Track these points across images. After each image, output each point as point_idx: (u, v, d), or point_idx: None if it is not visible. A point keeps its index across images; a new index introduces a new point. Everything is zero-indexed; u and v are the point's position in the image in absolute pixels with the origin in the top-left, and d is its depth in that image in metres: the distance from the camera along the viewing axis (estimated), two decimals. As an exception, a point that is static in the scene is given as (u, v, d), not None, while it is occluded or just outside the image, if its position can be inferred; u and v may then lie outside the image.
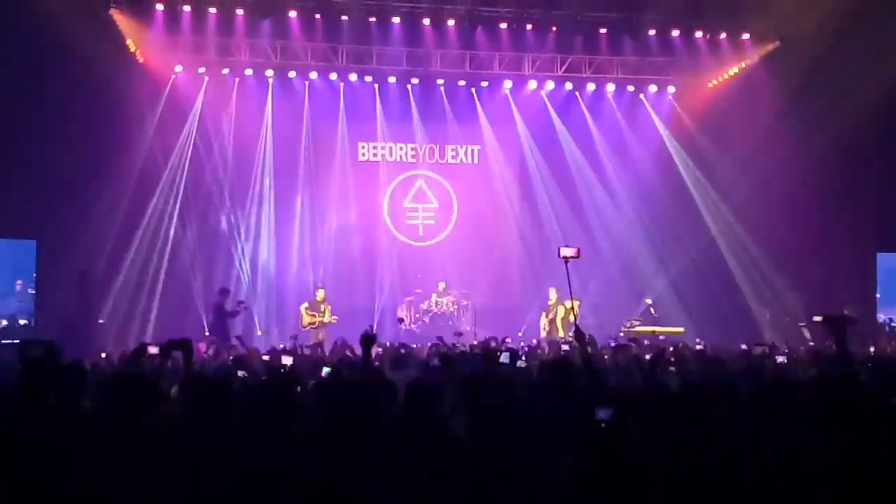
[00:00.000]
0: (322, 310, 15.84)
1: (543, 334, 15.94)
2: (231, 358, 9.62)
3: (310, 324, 15.72)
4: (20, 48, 13.66)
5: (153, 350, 6.12)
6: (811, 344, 12.77)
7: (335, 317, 15.65)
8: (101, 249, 15.41)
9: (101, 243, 15.40)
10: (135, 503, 5.12)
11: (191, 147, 16.94)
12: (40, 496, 4.61)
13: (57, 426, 5.21)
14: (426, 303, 17.49)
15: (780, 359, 7.87)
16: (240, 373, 9.10)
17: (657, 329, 15.85)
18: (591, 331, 16.26)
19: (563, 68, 17.75)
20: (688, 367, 8.09)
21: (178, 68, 16.78)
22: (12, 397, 5.36)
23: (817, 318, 6.97)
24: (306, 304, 15.95)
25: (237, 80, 17.31)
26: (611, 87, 18.30)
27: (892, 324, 16.99)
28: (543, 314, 16.48)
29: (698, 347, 12.15)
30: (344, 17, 16.35)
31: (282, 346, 12.50)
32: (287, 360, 6.48)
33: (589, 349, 5.97)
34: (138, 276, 15.89)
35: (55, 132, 14.49)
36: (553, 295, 16.33)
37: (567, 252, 6.99)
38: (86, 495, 5.19)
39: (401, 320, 15.72)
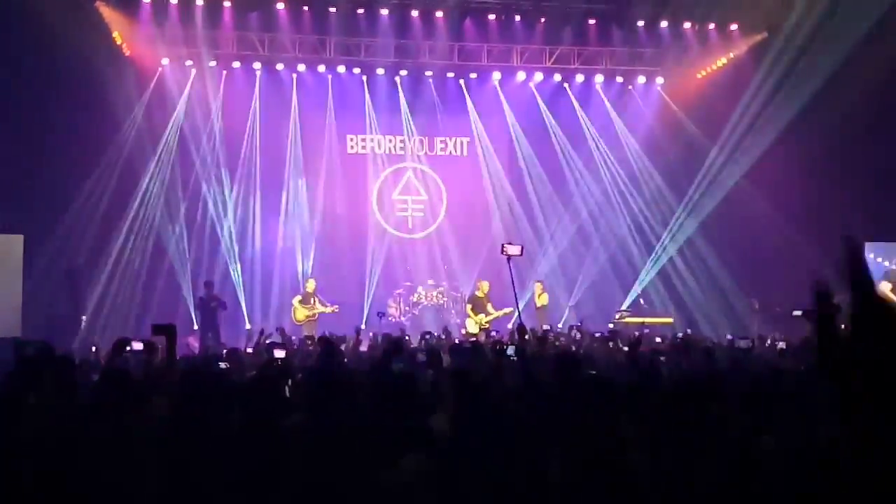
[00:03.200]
0: (313, 302, 15.81)
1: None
2: (224, 352, 9.61)
3: (306, 317, 15.65)
4: (5, 41, 13.53)
5: (137, 345, 6.10)
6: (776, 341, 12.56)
7: (336, 306, 15.49)
8: (89, 243, 15.33)
9: (89, 236, 15.31)
10: (128, 497, 5.14)
11: (178, 140, 16.85)
12: (35, 492, 4.61)
13: (52, 422, 5.21)
14: (415, 295, 17.48)
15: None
16: (222, 364, 9.07)
17: (646, 320, 15.91)
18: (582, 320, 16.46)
19: (552, 59, 17.74)
20: (678, 359, 8.10)
21: (165, 61, 16.70)
22: (7, 395, 5.35)
23: (797, 313, 6.96)
24: (299, 297, 15.90)
25: (224, 72, 17.24)
26: (599, 79, 18.34)
27: None
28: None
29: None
30: (332, 9, 16.27)
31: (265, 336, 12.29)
32: (279, 354, 6.45)
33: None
34: (126, 269, 15.81)
35: (41, 125, 14.38)
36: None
37: (512, 250, 6.95)
38: (79, 491, 5.20)
39: (381, 314, 15.43)
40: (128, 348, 6.07)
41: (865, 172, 15.70)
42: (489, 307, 14.71)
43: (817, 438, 4.11)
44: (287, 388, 6.07)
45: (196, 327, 14.81)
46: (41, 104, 14.23)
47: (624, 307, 17.13)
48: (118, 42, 15.75)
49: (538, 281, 15.97)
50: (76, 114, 14.63)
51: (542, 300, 15.65)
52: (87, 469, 5.34)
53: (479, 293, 15.00)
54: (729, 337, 11.30)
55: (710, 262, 17.33)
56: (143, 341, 6.03)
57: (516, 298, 7.29)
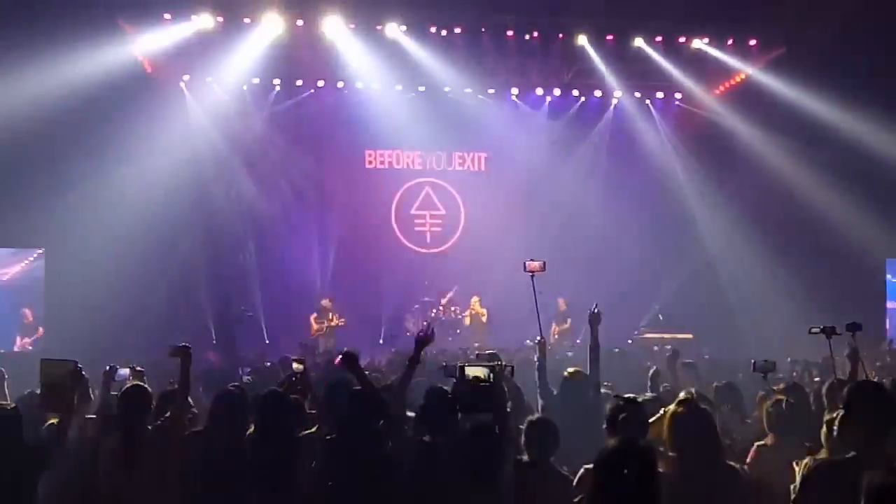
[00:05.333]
0: (329, 316, 15.88)
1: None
2: (248, 370, 9.70)
3: (317, 331, 15.71)
4: (28, 59, 13.69)
5: (123, 372, 6.20)
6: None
7: (342, 319, 15.72)
8: (109, 258, 15.39)
9: (108, 252, 15.38)
10: None
11: (198, 155, 16.92)
12: None
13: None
14: (433, 310, 17.43)
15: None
16: (245, 378, 9.14)
17: (665, 335, 15.81)
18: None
19: (570, 75, 17.71)
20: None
21: (186, 77, 16.82)
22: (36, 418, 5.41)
23: (815, 330, 6.85)
24: (315, 314, 16.00)
25: (245, 88, 17.34)
26: (617, 94, 18.30)
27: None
28: (554, 324, 16.53)
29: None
30: (351, 25, 16.33)
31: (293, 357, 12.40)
32: (298, 367, 6.45)
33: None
34: (146, 285, 15.80)
35: (62, 141, 14.51)
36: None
37: (533, 266, 6.96)
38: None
39: (393, 336, 15.90)
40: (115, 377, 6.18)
41: (885, 188, 15.59)
42: (568, 321, 16.26)
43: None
44: (307, 403, 6.08)
45: (215, 342, 14.86)
46: (61, 119, 14.33)
47: (643, 323, 17.02)
48: (139, 59, 15.89)
49: (476, 295, 16.67)
50: (97, 129, 14.75)
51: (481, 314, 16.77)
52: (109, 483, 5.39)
53: (560, 308, 16.54)
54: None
55: (730, 277, 17.22)
56: (129, 368, 6.18)
57: (538, 315, 7.25)
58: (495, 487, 4.37)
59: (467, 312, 16.97)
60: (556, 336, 16.27)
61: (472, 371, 5.04)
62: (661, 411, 4.71)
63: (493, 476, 4.36)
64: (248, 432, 5.56)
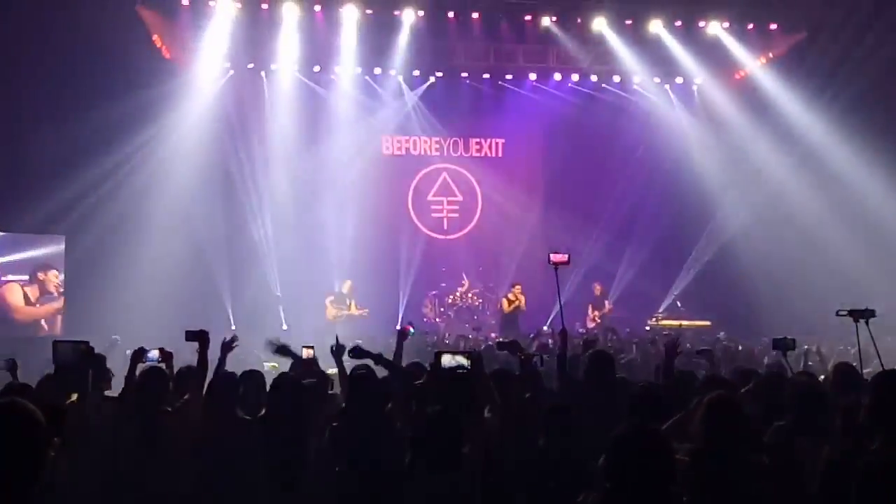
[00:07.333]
0: (348, 303, 15.87)
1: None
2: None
3: (335, 317, 15.71)
4: (48, 45, 13.75)
5: (153, 353, 6.24)
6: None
7: (365, 310, 15.69)
8: (128, 243, 15.47)
9: (128, 237, 15.46)
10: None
11: (215, 141, 16.94)
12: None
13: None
14: (451, 297, 17.44)
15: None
16: (266, 365, 9.18)
17: (683, 323, 15.75)
18: (616, 324, 16.40)
19: (589, 60, 17.59)
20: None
21: (204, 63, 16.83)
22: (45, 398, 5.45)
23: (842, 313, 6.80)
24: (332, 297, 15.96)
25: (263, 74, 17.37)
26: (637, 79, 18.16)
27: None
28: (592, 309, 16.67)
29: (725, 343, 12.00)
30: (368, 11, 16.29)
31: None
32: (308, 354, 6.46)
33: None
34: (165, 269, 15.83)
35: (82, 128, 14.57)
36: (598, 289, 16.80)
37: (558, 259, 6.90)
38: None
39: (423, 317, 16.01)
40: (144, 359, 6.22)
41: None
42: (607, 304, 16.61)
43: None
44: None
45: (234, 327, 14.90)
46: (81, 106, 14.39)
47: (660, 310, 16.97)
48: (158, 45, 15.92)
49: (517, 283, 16.45)
50: (115, 115, 14.79)
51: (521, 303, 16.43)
52: (126, 464, 5.44)
53: (596, 293, 16.80)
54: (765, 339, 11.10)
55: (749, 263, 17.08)
56: (159, 350, 6.21)
57: (561, 307, 7.17)
58: (457, 470, 4.38)
59: (510, 297, 16.49)
60: (598, 320, 16.33)
61: (450, 359, 5.01)
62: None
63: (454, 461, 4.36)
64: (259, 414, 5.62)
